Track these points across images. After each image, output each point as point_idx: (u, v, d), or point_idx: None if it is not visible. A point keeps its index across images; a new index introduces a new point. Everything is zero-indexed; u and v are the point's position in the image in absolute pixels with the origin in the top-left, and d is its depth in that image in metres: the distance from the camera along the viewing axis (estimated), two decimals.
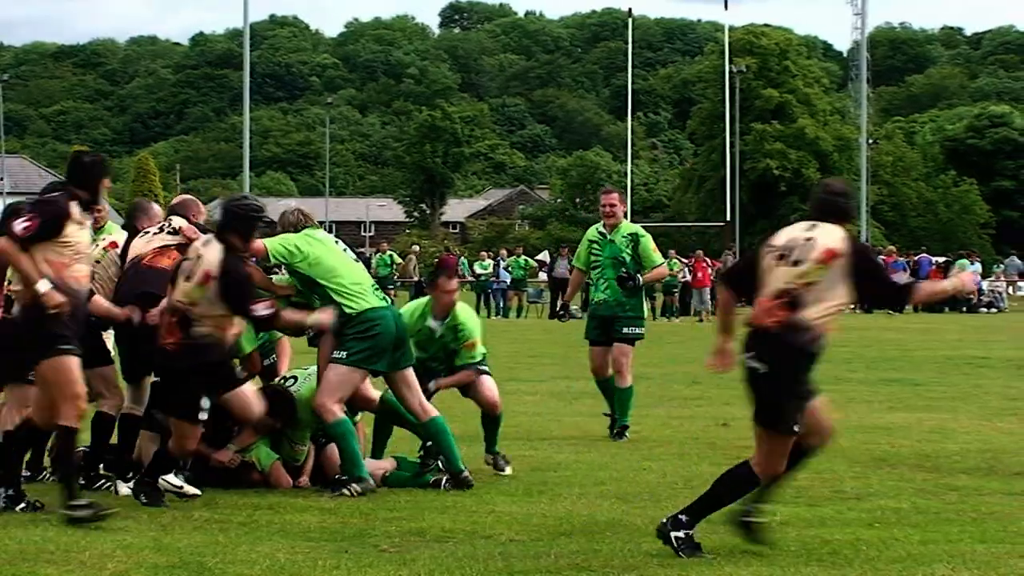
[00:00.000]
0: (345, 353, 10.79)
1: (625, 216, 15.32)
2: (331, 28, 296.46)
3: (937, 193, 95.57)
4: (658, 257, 14.64)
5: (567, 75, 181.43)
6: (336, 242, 11.25)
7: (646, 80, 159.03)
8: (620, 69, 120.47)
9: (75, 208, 9.55)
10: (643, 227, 15.54)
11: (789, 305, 8.28)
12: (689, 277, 48.91)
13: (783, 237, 8.52)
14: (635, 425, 14.74)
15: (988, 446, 14.01)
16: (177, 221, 11.06)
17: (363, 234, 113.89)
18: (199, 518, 9.65)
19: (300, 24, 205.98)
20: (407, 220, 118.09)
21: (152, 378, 10.87)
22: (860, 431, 14.94)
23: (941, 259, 59.64)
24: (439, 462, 11.34)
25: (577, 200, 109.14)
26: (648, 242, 14.53)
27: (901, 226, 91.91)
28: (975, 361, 26.33)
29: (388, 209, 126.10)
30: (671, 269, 39.57)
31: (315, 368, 11.18)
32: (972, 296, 49.49)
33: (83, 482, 10.46)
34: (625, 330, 14.42)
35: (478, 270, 52.13)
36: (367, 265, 22.96)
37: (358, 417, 11.54)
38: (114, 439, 10.99)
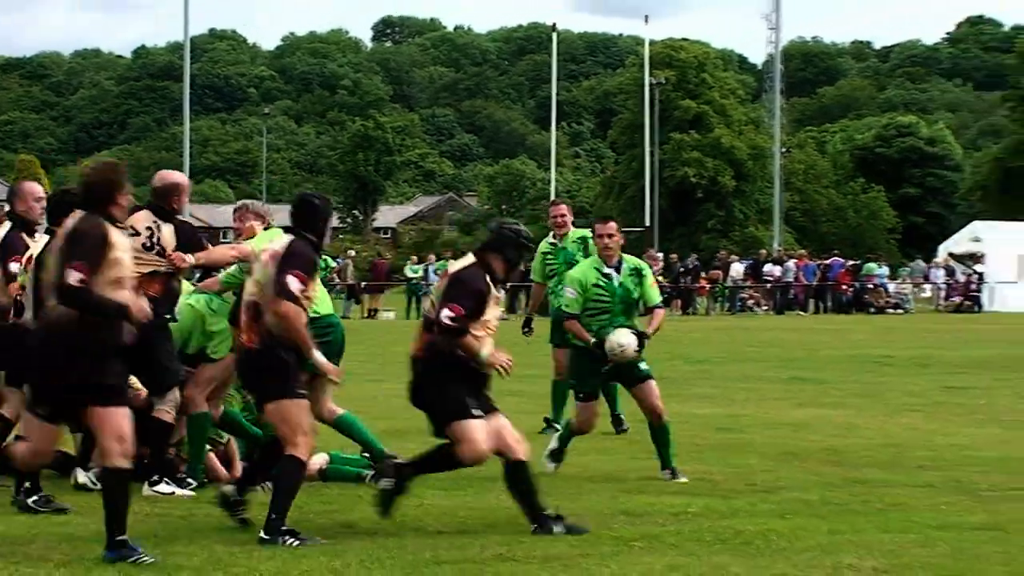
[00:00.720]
0: None
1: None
2: (268, 42, 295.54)
3: (847, 200, 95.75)
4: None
5: (494, 87, 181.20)
6: None
7: (570, 92, 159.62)
8: (545, 81, 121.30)
9: None
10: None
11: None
12: None
13: None
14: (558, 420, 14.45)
15: (892, 441, 14.26)
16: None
17: None
18: (140, 512, 9.50)
19: (238, 38, 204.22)
20: (341, 226, 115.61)
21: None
22: (770, 427, 15.40)
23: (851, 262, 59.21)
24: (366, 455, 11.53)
25: (503, 207, 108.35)
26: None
27: (812, 231, 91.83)
28: (880, 360, 26.52)
29: None
30: None
31: None
32: None
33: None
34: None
35: (409, 273, 52.96)
36: None
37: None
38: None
